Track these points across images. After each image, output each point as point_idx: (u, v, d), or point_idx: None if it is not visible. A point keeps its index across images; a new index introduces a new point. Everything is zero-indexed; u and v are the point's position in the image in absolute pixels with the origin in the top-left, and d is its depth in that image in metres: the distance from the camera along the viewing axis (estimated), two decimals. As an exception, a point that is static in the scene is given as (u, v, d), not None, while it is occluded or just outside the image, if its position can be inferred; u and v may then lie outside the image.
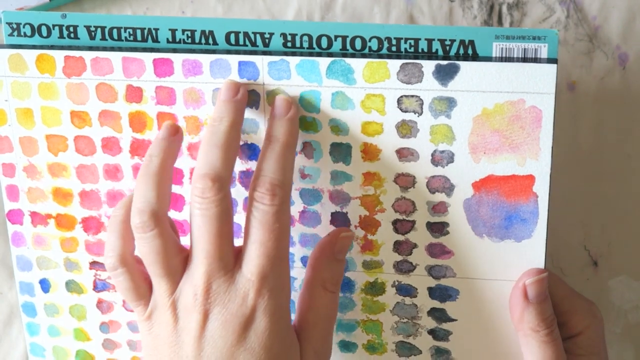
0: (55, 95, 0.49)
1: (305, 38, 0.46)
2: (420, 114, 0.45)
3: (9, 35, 0.50)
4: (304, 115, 0.47)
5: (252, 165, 0.48)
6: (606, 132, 0.55)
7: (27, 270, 0.53)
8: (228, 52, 0.47)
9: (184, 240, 0.48)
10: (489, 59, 0.45)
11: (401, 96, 0.45)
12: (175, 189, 0.49)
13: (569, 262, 0.55)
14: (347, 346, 0.51)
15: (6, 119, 0.50)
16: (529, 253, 0.47)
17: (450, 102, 0.45)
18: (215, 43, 0.47)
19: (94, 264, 0.52)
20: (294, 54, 0.46)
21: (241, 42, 0.47)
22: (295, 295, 0.50)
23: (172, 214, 0.50)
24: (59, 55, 0.48)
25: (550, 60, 0.44)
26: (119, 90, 0.48)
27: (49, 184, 0.51)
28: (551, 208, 0.46)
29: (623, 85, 0.54)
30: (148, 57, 0.47)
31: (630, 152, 0.55)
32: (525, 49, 0.44)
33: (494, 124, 0.45)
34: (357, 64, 0.45)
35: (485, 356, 0.49)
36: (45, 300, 0.54)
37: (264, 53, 0.46)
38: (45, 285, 0.53)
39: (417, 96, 0.45)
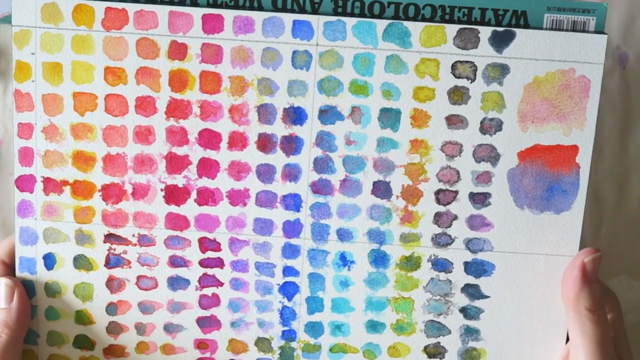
0: (89, 50, 0.46)
1: (357, 4, 0.46)
2: (473, 80, 0.46)
3: (35, -10, 0.47)
4: (355, 78, 0.46)
5: (296, 130, 0.47)
6: (606, 132, 0.56)
7: (31, 244, 0.49)
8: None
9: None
10: (539, 29, 0.46)
11: (456, 62, 0.46)
12: (211, 154, 0.47)
13: (569, 262, 0.56)
14: (374, 327, 0.50)
15: (30, 74, 0.47)
16: (567, 226, 0.48)
17: (503, 69, 0.46)
18: (260, 7, 0.47)
19: (109, 237, 0.49)
20: (346, 17, 0.46)
21: (289, 6, 0.47)
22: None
23: (204, 182, 0.48)
24: (99, 7, 0.46)
25: (599, 32, 0.46)
26: (161, 46, 0.46)
27: (70, 146, 0.48)
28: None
29: (623, 85, 0.56)
30: (197, 12, 0.46)
31: (630, 152, 0.57)
32: (574, 21, 0.46)
33: (544, 92, 0.46)
34: (415, 28, 0.46)
35: (514, 335, 0.49)
36: (47, 279, 0.49)
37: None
38: (49, 260, 0.49)
39: (471, 62, 0.46)
